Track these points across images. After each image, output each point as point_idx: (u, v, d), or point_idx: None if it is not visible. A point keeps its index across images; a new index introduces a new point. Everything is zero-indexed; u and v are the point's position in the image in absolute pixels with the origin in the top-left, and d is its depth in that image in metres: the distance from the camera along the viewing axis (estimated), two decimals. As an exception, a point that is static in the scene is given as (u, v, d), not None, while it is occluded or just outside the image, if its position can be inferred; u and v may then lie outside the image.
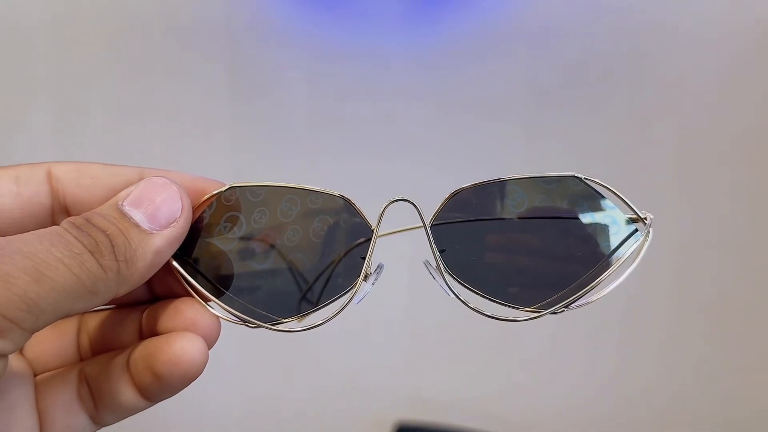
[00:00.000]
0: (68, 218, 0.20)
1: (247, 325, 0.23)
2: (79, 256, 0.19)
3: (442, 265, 0.22)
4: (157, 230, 0.21)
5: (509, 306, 0.22)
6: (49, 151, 0.79)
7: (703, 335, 0.72)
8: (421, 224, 0.23)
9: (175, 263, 0.22)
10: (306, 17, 0.73)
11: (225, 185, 0.23)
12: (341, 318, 0.23)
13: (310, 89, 0.74)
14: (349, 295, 0.22)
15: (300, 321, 0.23)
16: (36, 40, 0.79)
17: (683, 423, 0.75)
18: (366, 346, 0.82)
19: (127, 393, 0.22)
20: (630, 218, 0.23)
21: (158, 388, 0.21)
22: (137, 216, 0.21)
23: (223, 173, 0.25)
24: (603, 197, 0.23)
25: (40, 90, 0.80)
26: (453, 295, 0.22)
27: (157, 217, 0.21)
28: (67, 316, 0.20)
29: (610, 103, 0.68)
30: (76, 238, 0.19)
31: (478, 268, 0.23)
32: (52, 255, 0.18)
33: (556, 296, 0.22)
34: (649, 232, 0.23)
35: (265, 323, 0.22)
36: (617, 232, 0.23)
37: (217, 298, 0.22)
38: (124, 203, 0.21)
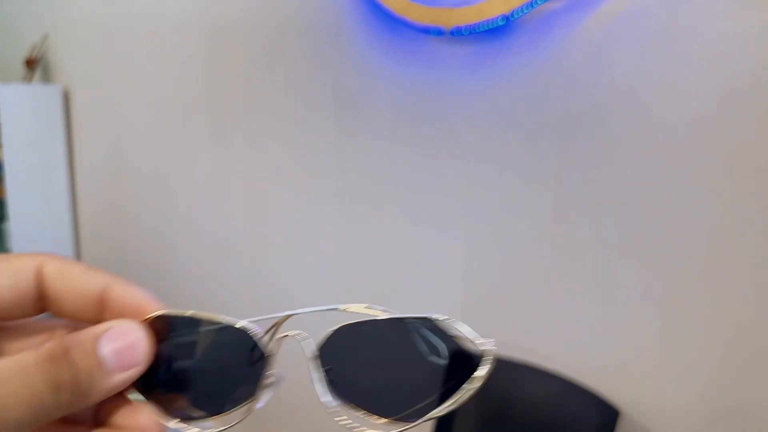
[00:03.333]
0: (50, 346, 0.23)
1: None
2: (40, 394, 0.21)
3: (325, 378, 0.29)
4: (119, 371, 0.24)
5: (374, 415, 0.29)
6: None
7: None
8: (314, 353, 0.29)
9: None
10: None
11: (159, 311, 0.29)
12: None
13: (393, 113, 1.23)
14: (252, 402, 0.29)
15: (214, 422, 0.29)
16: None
17: None
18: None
19: None
20: (476, 350, 0.29)
21: None
22: (109, 356, 0.24)
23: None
24: (452, 334, 0.29)
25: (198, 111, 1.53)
26: (327, 400, 0.29)
27: (123, 362, 0.24)
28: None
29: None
30: (43, 380, 0.21)
31: (354, 383, 0.29)
32: (17, 396, 0.21)
33: (412, 410, 0.29)
34: (489, 360, 0.29)
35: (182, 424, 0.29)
36: (465, 362, 0.29)
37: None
38: (102, 339, 0.24)
